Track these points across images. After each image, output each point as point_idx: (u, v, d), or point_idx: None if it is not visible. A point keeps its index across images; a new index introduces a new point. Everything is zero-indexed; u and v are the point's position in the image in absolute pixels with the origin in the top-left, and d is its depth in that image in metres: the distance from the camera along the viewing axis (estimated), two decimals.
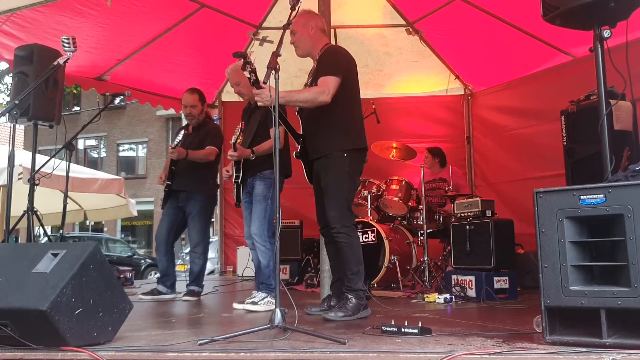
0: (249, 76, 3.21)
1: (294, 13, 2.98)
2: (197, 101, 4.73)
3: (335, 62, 3.35)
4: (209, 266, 5.99)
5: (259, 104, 3.10)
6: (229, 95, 7.16)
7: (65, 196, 4.51)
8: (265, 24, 6.15)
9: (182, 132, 4.52)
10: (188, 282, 4.64)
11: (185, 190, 4.64)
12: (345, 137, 3.33)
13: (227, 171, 4.14)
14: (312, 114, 3.37)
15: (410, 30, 6.10)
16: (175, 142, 4.37)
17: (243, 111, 4.24)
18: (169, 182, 4.61)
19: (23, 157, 6.09)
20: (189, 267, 4.73)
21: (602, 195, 2.12)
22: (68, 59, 3.70)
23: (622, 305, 2.02)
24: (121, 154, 25.49)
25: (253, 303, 3.71)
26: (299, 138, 3.52)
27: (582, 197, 2.15)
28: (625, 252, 2.04)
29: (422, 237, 5.24)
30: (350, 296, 3.22)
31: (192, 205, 4.63)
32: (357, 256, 3.30)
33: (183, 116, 5.78)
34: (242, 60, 3.15)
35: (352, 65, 3.45)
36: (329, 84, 3.23)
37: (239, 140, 3.87)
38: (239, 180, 3.97)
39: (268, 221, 3.85)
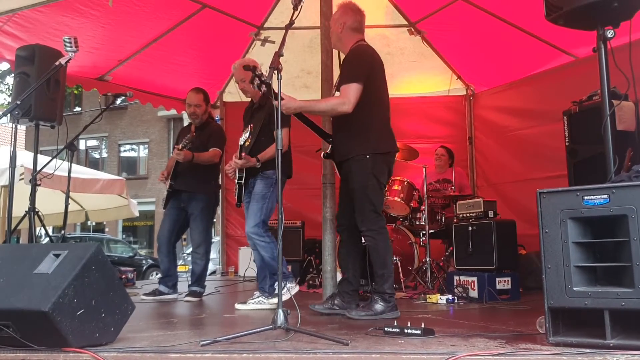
0: (257, 89, 3.03)
1: (296, 13, 2.97)
2: (201, 101, 4.74)
3: (356, 67, 3.30)
4: (210, 267, 5.99)
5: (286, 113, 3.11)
6: (231, 95, 7.17)
7: (67, 197, 4.50)
8: (267, 25, 6.15)
9: (189, 135, 4.52)
10: (190, 282, 4.64)
11: (188, 190, 4.64)
12: (367, 141, 3.30)
13: (230, 166, 4.10)
14: (337, 116, 3.38)
15: (412, 30, 6.10)
16: (182, 145, 4.38)
17: (245, 110, 4.22)
18: (172, 182, 4.62)
19: (24, 158, 6.09)
20: (190, 267, 4.72)
21: (606, 196, 2.11)
22: (70, 59, 3.69)
23: (626, 307, 2.01)
24: (122, 154, 25.53)
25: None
26: (328, 138, 3.54)
27: (585, 197, 2.14)
28: (629, 253, 2.03)
29: (424, 238, 5.23)
30: (376, 297, 3.24)
31: (194, 206, 4.63)
32: (382, 260, 3.28)
33: (184, 116, 5.78)
34: (252, 74, 3.00)
35: (376, 66, 3.39)
36: (349, 94, 3.21)
37: (247, 143, 3.86)
38: (242, 181, 3.96)
39: (263, 219, 3.83)
